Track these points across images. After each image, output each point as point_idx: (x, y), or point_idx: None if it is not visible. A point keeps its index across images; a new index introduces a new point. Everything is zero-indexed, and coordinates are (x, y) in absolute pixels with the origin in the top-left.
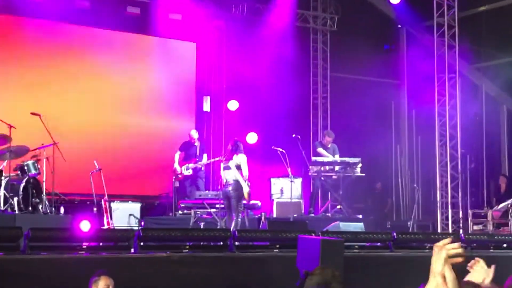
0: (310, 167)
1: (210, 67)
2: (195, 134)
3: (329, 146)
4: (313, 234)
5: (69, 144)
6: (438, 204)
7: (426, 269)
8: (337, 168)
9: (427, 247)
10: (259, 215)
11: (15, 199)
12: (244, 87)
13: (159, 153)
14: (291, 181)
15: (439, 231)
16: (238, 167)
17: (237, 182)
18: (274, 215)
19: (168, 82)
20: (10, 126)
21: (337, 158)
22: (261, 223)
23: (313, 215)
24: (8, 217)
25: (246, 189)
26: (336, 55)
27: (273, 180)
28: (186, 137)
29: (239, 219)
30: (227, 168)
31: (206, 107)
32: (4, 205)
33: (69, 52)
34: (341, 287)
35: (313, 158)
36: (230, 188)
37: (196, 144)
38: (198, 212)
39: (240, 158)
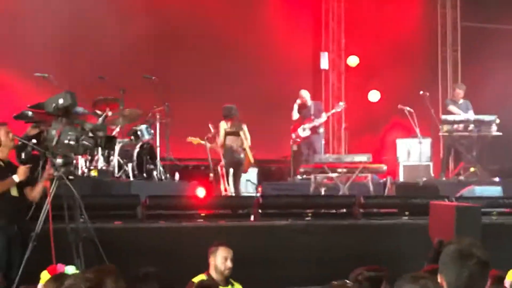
0: (441, 126)
1: (326, 21)
2: (305, 94)
3: (460, 101)
4: (446, 200)
5: (183, 107)
6: None
7: None
8: (470, 126)
9: None
10: (384, 179)
11: (129, 165)
12: (365, 41)
13: (274, 115)
14: (420, 142)
15: None
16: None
17: (243, 150)
18: (401, 180)
19: (282, 38)
20: (122, 90)
21: (470, 115)
22: (386, 188)
23: (444, 179)
24: (123, 184)
25: (251, 159)
26: (467, 1)
27: (399, 141)
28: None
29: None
30: (233, 134)
31: (324, 64)
32: (119, 171)
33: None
34: (485, 256)
35: (444, 117)
36: (242, 155)
37: (308, 104)
38: (319, 177)
39: (244, 127)
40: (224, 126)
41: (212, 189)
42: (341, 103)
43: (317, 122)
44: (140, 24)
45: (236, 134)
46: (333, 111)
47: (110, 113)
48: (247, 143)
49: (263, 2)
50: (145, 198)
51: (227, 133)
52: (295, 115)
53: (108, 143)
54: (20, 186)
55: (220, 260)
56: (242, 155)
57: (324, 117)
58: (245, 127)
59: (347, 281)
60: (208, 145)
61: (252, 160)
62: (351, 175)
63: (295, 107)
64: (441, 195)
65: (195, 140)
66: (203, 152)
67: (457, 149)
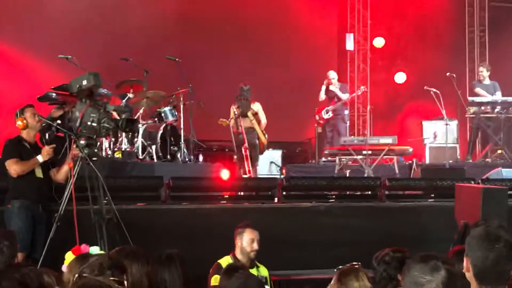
0: (467, 108)
1: (352, 2)
2: (333, 74)
3: (487, 82)
4: (472, 182)
5: (206, 89)
6: None
7: None
8: (497, 108)
9: None
10: (410, 161)
11: (153, 147)
12: (391, 22)
13: (298, 96)
14: (446, 124)
15: None
16: (255, 116)
17: (254, 130)
18: (427, 162)
19: (307, 19)
20: (146, 71)
21: (498, 97)
22: (412, 171)
23: (471, 161)
24: (147, 165)
25: (264, 140)
26: None
27: (425, 123)
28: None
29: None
30: (242, 115)
31: (349, 45)
32: (143, 153)
33: None
34: None
35: (470, 98)
36: (250, 137)
37: (335, 85)
38: (343, 159)
39: (257, 106)
40: (234, 108)
41: (236, 171)
42: (362, 87)
43: (339, 105)
44: (164, 4)
45: (243, 115)
46: (354, 94)
47: (132, 95)
48: (255, 123)
49: None
50: (169, 180)
51: (238, 115)
52: (322, 96)
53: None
54: (45, 167)
55: (247, 241)
56: (249, 137)
57: (343, 99)
58: (256, 106)
59: (355, 263)
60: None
61: (264, 141)
62: (376, 157)
63: (323, 88)
64: (467, 178)
65: (225, 122)
66: (227, 134)
67: (484, 131)
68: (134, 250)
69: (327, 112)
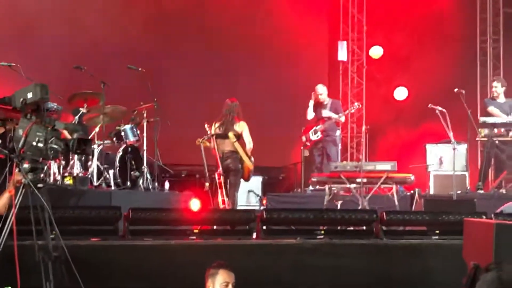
0: (479, 130)
1: (345, 5)
2: (321, 89)
3: (502, 100)
4: (484, 217)
5: (175, 104)
6: None
7: None
8: None
9: None
10: (412, 191)
11: (111, 172)
12: (390, 29)
13: (283, 114)
14: (454, 148)
15: None
16: (238, 137)
17: (236, 154)
18: (432, 192)
19: (294, 25)
20: (103, 83)
21: None
22: (414, 202)
23: (482, 191)
24: (103, 194)
25: (249, 165)
26: None
27: (429, 147)
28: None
29: (236, 200)
30: (222, 136)
31: (342, 55)
32: (98, 179)
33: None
34: None
35: (482, 119)
36: (229, 161)
37: (325, 102)
38: (334, 188)
39: (242, 126)
40: (215, 126)
41: (208, 201)
42: (356, 104)
43: (327, 124)
44: (127, 4)
45: (223, 136)
46: (346, 112)
47: (86, 111)
48: (238, 146)
49: None
50: (128, 211)
51: (215, 135)
52: (310, 114)
53: (81, 146)
54: None
55: (220, 285)
56: (228, 161)
57: (333, 117)
58: (241, 126)
59: None
60: (204, 148)
61: (250, 166)
62: (373, 186)
63: (311, 104)
64: (478, 211)
65: (205, 142)
66: (198, 157)
67: (497, 157)
68: None
69: (315, 133)
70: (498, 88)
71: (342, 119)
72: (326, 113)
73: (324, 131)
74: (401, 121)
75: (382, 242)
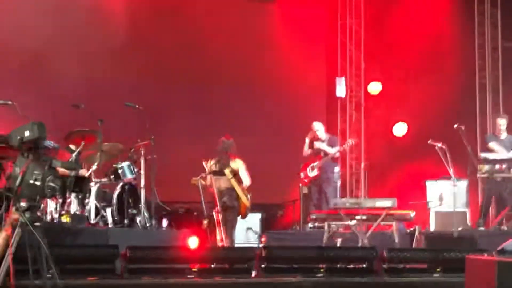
0: (479, 166)
1: (343, 41)
2: (318, 126)
3: (503, 136)
4: (486, 254)
5: (172, 141)
6: None
7: None
8: None
9: None
10: (412, 229)
11: (108, 210)
12: (388, 65)
13: (281, 150)
14: (454, 185)
15: None
16: (234, 174)
17: (233, 191)
18: (432, 229)
19: (291, 62)
20: (100, 121)
21: None
22: (415, 240)
23: (483, 228)
24: (100, 232)
25: (246, 202)
26: (511, 18)
27: (429, 183)
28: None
29: (234, 237)
30: (219, 174)
31: (340, 91)
32: (95, 217)
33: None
34: None
35: (483, 155)
36: (225, 198)
37: (323, 138)
38: (334, 226)
39: (238, 164)
40: (210, 164)
41: (206, 239)
42: (350, 140)
43: (324, 161)
44: (123, 43)
45: (219, 173)
46: (340, 148)
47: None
48: (235, 183)
49: (267, 15)
50: (126, 249)
51: (211, 173)
52: (306, 151)
53: (78, 185)
54: None
55: None
56: (225, 198)
57: (330, 153)
58: (236, 163)
59: None
60: (201, 186)
61: (247, 203)
62: (373, 223)
63: (307, 141)
64: (480, 248)
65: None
66: (196, 194)
67: (499, 194)
68: None
69: (312, 169)
70: (503, 126)
71: (337, 154)
72: (320, 144)
73: (321, 168)
74: (400, 157)
75: (382, 280)
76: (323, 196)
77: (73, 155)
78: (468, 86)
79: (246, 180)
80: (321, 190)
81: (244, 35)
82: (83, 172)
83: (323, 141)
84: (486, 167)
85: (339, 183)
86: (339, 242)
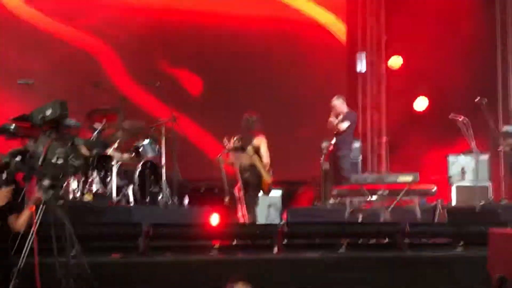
0: (501, 139)
1: (363, 16)
2: (335, 101)
3: None
4: (509, 228)
5: (193, 119)
6: None
7: None
8: None
9: None
10: (434, 203)
11: (130, 188)
12: (410, 39)
13: (302, 128)
14: (476, 159)
15: None
16: (256, 151)
17: (254, 168)
18: (454, 203)
19: (312, 37)
20: (121, 98)
21: None
22: (437, 214)
23: (506, 202)
24: (122, 210)
25: (267, 179)
26: None
27: (451, 157)
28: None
29: (255, 214)
30: (241, 150)
31: (361, 66)
32: (117, 195)
33: None
34: None
35: (505, 128)
36: (247, 174)
37: (344, 111)
38: (355, 201)
39: (260, 141)
40: (233, 140)
41: (228, 216)
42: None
43: (341, 137)
44: (144, 17)
45: (241, 150)
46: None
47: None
48: (257, 159)
49: None
50: (148, 227)
51: (233, 149)
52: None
53: (101, 162)
54: (2, 213)
55: None
56: (247, 174)
57: (341, 128)
58: (259, 140)
59: None
60: (223, 163)
61: (268, 180)
62: (394, 198)
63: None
64: (503, 222)
65: (218, 158)
66: (216, 172)
67: None
68: None
69: (329, 146)
70: None
71: (341, 126)
72: (332, 119)
73: (336, 144)
74: (422, 131)
75: (405, 254)
76: (339, 173)
77: (95, 133)
78: (490, 59)
79: (266, 157)
80: (337, 166)
81: (263, 10)
82: (111, 152)
83: (343, 116)
84: (508, 141)
85: (360, 158)
86: (360, 217)
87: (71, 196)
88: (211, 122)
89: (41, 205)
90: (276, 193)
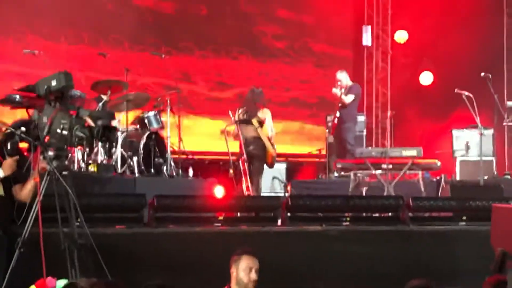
0: (506, 114)
1: None
2: (338, 75)
3: None
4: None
5: (198, 91)
6: None
7: None
8: None
9: None
10: (438, 177)
11: (135, 159)
12: (415, 13)
13: (306, 100)
14: (480, 134)
15: None
16: (261, 124)
17: (259, 140)
18: (458, 178)
19: (318, 9)
20: (126, 69)
21: None
22: (440, 188)
23: (510, 177)
24: (127, 181)
25: (272, 151)
26: None
27: (455, 132)
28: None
29: (260, 186)
30: (246, 123)
31: (366, 40)
32: (122, 166)
33: None
34: None
35: (510, 103)
36: (252, 147)
37: (349, 85)
38: (359, 175)
39: (265, 113)
40: (238, 113)
41: (232, 188)
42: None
43: (344, 110)
44: None
45: (246, 122)
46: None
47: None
48: (262, 132)
49: None
50: (153, 198)
51: (238, 122)
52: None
53: (105, 134)
54: (7, 183)
55: (244, 271)
56: (252, 147)
57: (346, 102)
58: (264, 113)
59: None
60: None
61: (273, 152)
62: (398, 172)
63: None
64: (506, 197)
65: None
66: (222, 144)
67: None
68: (111, 284)
69: (334, 119)
70: None
71: (346, 99)
72: (335, 91)
73: (340, 118)
74: (426, 106)
75: (408, 228)
76: (343, 146)
77: (100, 104)
78: (495, 34)
79: (272, 130)
80: (341, 139)
81: None
82: (115, 123)
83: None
84: None
85: (364, 132)
86: (364, 191)
87: (75, 167)
88: (216, 92)
89: (46, 176)
90: (281, 166)
